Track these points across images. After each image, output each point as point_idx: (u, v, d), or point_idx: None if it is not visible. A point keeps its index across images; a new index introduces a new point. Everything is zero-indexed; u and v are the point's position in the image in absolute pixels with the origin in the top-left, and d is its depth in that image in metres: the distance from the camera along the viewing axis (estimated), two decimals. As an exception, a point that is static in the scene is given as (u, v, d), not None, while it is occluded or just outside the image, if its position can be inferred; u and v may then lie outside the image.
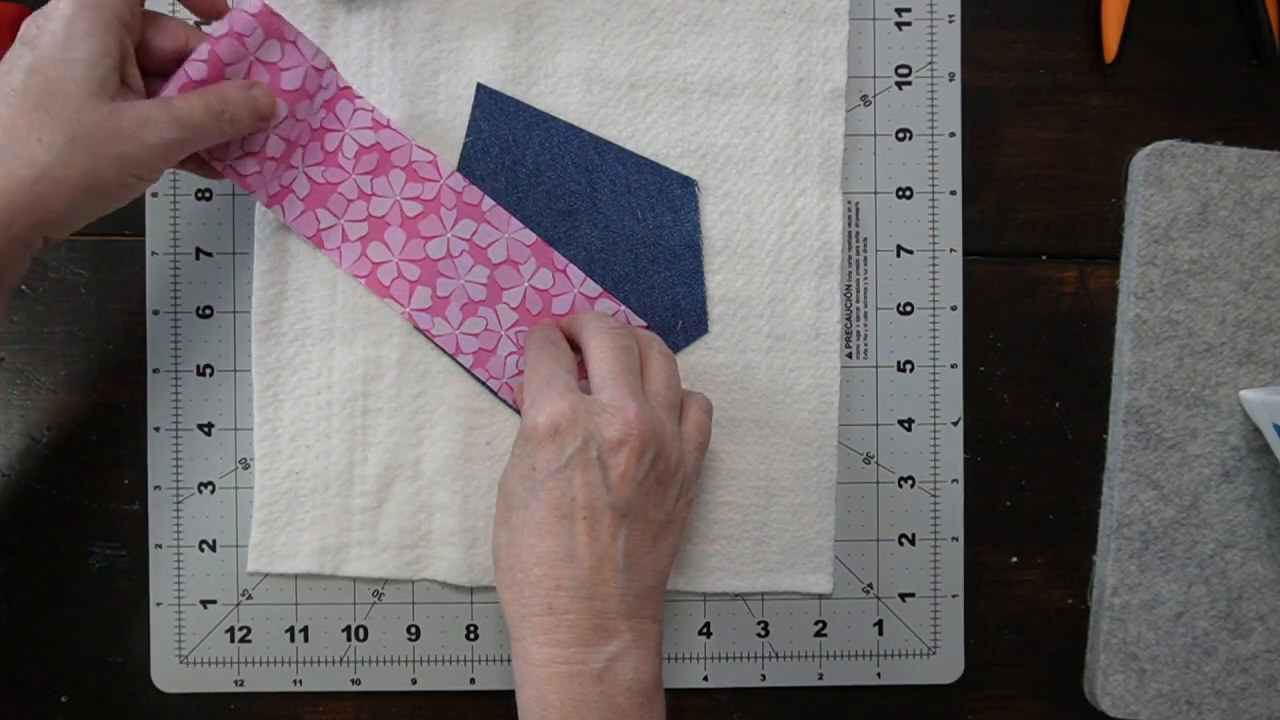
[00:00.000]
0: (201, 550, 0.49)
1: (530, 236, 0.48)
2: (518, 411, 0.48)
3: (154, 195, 0.49)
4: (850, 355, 0.50)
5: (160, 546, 0.49)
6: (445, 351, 0.48)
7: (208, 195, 0.49)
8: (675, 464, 0.40)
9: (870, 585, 0.50)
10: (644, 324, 0.48)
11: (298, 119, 0.45)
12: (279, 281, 0.48)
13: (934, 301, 0.50)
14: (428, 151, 0.48)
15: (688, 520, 0.47)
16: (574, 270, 0.48)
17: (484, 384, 0.48)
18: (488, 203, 0.48)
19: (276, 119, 0.43)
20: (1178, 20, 0.51)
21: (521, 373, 0.48)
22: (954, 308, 0.50)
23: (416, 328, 0.48)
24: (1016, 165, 0.50)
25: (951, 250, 0.50)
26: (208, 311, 0.49)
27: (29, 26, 0.38)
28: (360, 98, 0.47)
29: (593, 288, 0.48)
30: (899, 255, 0.50)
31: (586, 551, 0.38)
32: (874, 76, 0.50)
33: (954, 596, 0.50)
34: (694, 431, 0.43)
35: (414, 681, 0.49)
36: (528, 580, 0.39)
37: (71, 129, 0.36)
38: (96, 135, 0.37)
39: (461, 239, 0.47)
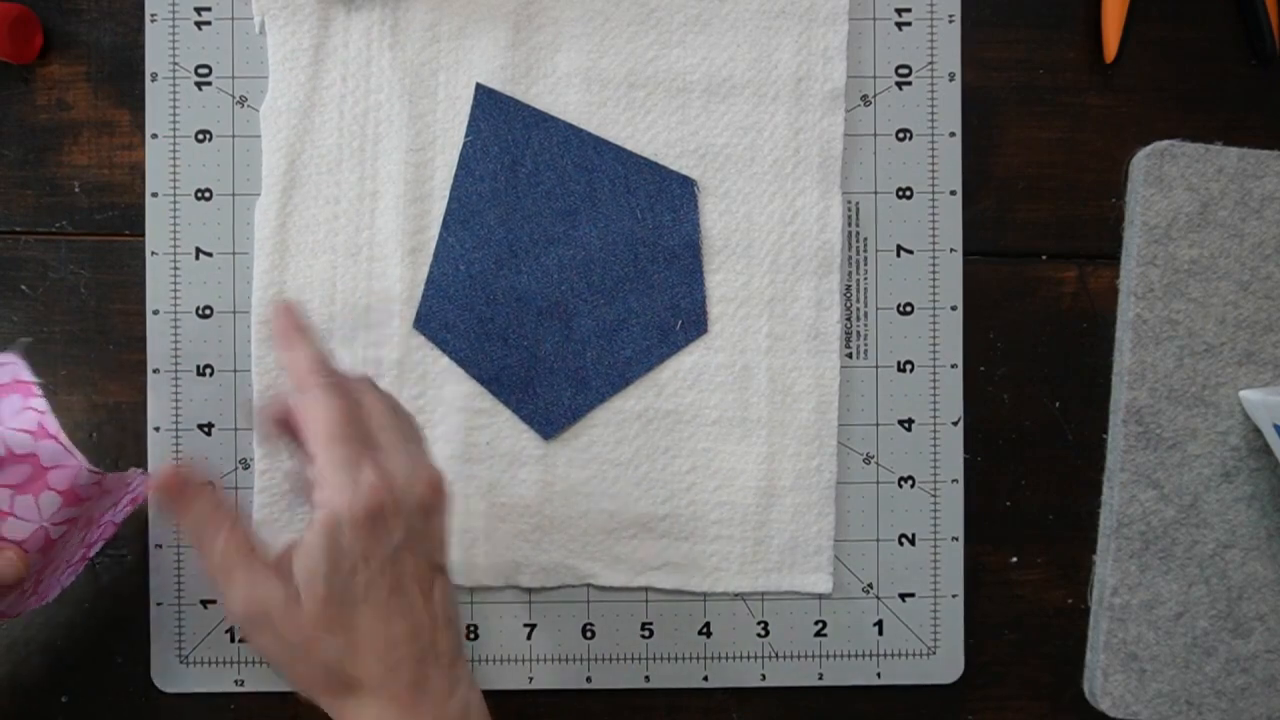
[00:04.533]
0: (201, 550, 0.49)
1: None
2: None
3: (154, 195, 0.49)
4: (850, 355, 0.50)
5: (160, 546, 0.49)
6: (444, 352, 0.48)
7: (208, 195, 0.49)
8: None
9: (870, 585, 0.50)
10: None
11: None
12: (278, 281, 0.48)
13: (934, 301, 0.50)
14: None
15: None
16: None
17: (483, 384, 0.48)
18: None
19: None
20: (1178, 20, 0.51)
21: None
22: (954, 308, 0.50)
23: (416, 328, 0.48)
24: (1016, 165, 0.50)
25: (951, 250, 0.50)
26: (207, 311, 0.49)
27: None
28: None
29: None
30: (899, 255, 0.50)
31: (426, 615, 0.38)
32: (874, 76, 0.50)
33: (954, 596, 0.50)
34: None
35: (414, 681, 0.49)
36: (388, 666, 0.37)
37: None
38: None
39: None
